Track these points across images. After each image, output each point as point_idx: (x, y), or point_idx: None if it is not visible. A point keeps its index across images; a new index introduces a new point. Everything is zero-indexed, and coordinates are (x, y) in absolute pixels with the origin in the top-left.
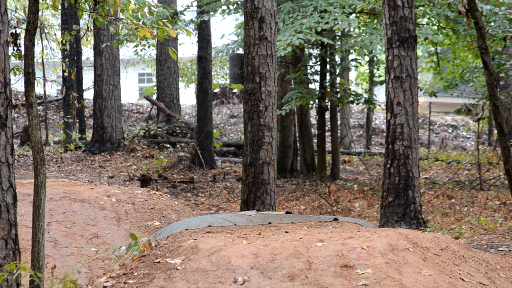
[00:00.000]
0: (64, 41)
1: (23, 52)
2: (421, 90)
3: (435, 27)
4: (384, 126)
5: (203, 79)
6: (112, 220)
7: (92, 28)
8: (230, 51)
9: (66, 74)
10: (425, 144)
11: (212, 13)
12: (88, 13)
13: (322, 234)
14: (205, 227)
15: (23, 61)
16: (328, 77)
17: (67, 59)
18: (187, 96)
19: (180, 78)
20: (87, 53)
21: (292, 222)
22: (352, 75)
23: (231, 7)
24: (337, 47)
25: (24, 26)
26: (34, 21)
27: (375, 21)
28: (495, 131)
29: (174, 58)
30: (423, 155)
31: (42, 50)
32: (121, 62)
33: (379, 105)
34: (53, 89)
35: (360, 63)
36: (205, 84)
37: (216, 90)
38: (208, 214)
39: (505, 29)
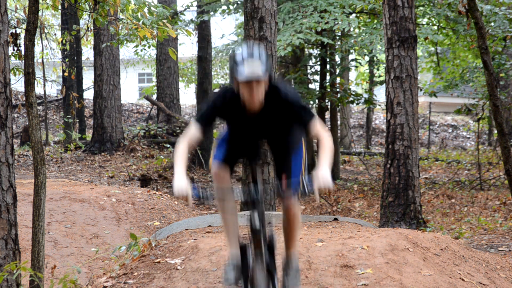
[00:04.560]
0: (64, 41)
1: (23, 52)
2: (421, 90)
3: (435, 27)
4: (384, 126)
5: (203, 79)
6: (112, 220)
7: (92, 28)
8: (230, 51)
9: (66, 74)
10: (425, 144)
11: (212, 13)
12: (88, 13)
13: (322, 234)
14: (205, 227)
15: (23, 61)
16: (328, 77)
17: (67, 59)
18: (187, 96)
19: (180, 78)
20: (87, 53)
21: None
22: (352, 75)
23: (231, 7)
24: (337, 47)
25: (24, 26)
26: (34, 21)
27: (375, 21)
28: (495, 131)
29: (174, 58)
30: (423, 155)
31: (42, 50)
32: (121, 62)
33: (379, 105)
34: (53, 89)
35: (360, 63)
36: (205, 84)
37: (216, 90)
38: (208, 214)
39: (505, 29)
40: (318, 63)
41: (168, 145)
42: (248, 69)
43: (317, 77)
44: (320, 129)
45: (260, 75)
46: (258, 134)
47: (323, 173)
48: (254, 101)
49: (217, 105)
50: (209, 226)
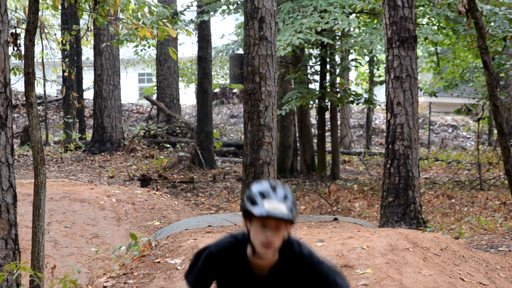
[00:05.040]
0: (64, 41)
1: (23, 52)
2: (421, 90)
3: (435, 27)
4: (384, 126)
5: (203, 79)
6: (112, 220)
7: (92, 28)
8: (230, 51)
9: (66, 74)
10: (425, 144)
11: (212, 13)
12: (88, 13)
13: (322, 234)
14: (205, 227)
15: (23, 61)
16: (328, 77)
17: (67, 59)
18: (187, 96)
19: (180, 78)
20: (87, 53)
21: None
22: (352, 75)
23: (231, 7)
24: (337, 47)
25: (24, 26)
26: (34, 21)
27: (375, 21)
28: (495, 131)
29: (175, 58)
30: (423, 155)
31: (42, 50)
32: (121, 62)
33: (379, 105)
34: (53, 89)
35: (360, 63)
36: (205, 84)
37: (216, 90)
38: (208, 214)
39: (505, 29)
40: (318, 63)
41: (168, 145)
42: (269, 204)
43: (317, 77)
44: None
45: (285, 213)
46: None
47: None
48: (269, 249)
49: (211, 262)
50: (209, 226)
